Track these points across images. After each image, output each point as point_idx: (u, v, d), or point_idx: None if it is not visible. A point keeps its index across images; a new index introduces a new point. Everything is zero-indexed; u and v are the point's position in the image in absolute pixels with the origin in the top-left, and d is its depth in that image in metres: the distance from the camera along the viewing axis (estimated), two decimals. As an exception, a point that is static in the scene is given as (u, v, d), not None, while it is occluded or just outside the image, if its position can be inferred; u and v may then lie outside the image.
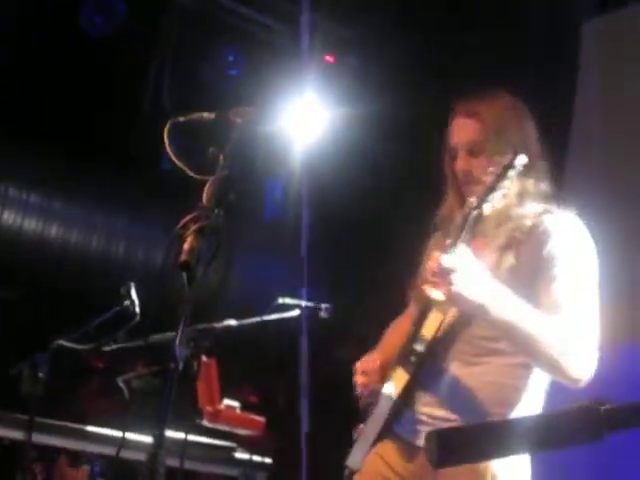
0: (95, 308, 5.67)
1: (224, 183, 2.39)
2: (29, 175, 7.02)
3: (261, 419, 5.56)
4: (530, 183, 2.73)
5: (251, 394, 7.39)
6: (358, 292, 7.06)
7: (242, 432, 5.60)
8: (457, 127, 2.86)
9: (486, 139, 2.77)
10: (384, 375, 2.80)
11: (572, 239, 2.67)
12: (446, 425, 2.59)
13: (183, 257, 2.17)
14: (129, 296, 4.78)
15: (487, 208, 2.54)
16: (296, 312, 4.91)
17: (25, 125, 6.75)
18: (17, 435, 5.13)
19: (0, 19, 6.43)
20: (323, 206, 7.23)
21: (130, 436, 5.18)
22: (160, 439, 1.97)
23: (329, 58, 7.03)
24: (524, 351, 2.55)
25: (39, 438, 5.06)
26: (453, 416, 2.64)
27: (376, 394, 2.77)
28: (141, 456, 4.89)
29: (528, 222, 2.69)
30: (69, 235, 7.16)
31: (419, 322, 2.73)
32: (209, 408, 5.17)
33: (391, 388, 2.70)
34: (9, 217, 6.89)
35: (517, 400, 2.66)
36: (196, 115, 2.65)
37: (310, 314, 4.71)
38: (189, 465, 4.56)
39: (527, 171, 2.66)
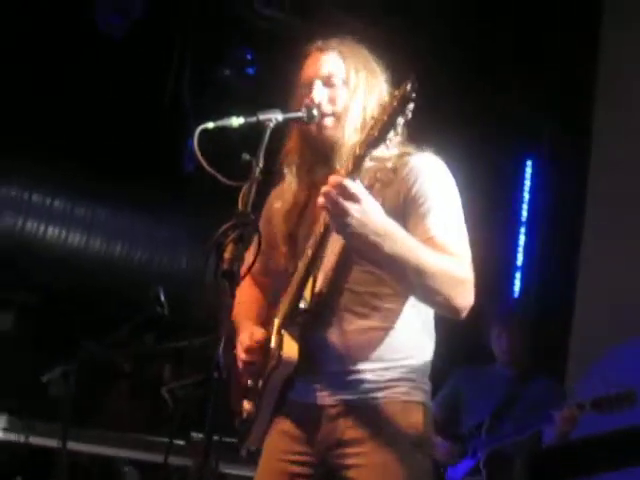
0: (119, 313, 5.70)
1: (259, 188, 2.40)
2: (51, 181, 7.07)
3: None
4: None
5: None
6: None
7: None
8: (311, 62, 2.83)
9: (346, 71, 2.76)
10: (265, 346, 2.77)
11: (438, 176, 2.68)
12: (346, 378, 2.63)
13: (225, 266, 2.19)
14: (158, 300, 4.81)
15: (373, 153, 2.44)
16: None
17: (42, 128, 6.78)
18: (51, 443, 5.13)
19: (17, 19, 6.46)
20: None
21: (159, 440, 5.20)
22: (208, 448, 2.00)
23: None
24: (412, 287, 2.54)
25: (73, 446, 5.07)
26: (350, 368, 2.65)
27: (262, 371, 2.74)
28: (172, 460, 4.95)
29: (389, 164, 2.68)
30: (92, 241, 7.20)
31: (300, 280, 2.68)
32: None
33: (289, 353, 2.65)
34: (32, 224, 6.96)
35: (410, 343, 2.70)
36: (225, 120, 2.65)
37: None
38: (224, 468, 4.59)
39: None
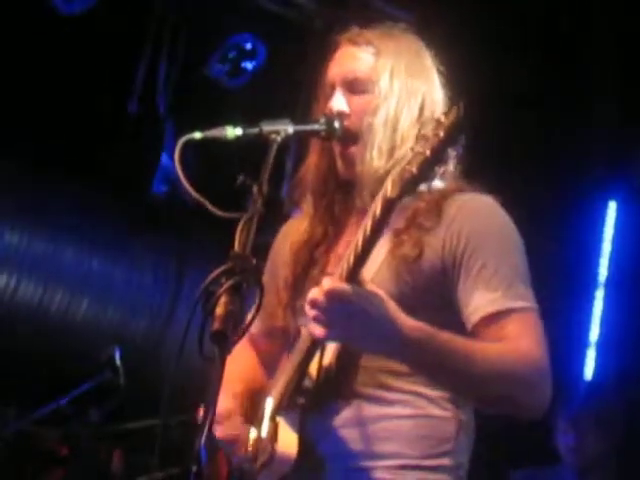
0: (57, 379, 5.69)
1: (260, 223, 2.40)
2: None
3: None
4: None
5: None
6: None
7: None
8: (338, 57, 2.86)
9: (377, 74, 2.78)
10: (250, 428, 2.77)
11: (497, 224, 2.71)
12: (354, 477, 2.65)
13: (217, 325, 2.18)
14: (112, 364, 4.82)
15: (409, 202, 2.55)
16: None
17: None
18: None
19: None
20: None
21: None
22: None
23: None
24: (461, 393, 2.63)
25: None
26: (360, 464, 2.66)
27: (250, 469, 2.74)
28: None
29: (432, 202, 2.70)
30: (23, 284, 7.10)
31: (307, 350, 2.67)
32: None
33: (285, 447, 2.67)
34: None
35: (439, 435, 2.69)
36: (217, 130, 2.66)
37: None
38: None
39: None
